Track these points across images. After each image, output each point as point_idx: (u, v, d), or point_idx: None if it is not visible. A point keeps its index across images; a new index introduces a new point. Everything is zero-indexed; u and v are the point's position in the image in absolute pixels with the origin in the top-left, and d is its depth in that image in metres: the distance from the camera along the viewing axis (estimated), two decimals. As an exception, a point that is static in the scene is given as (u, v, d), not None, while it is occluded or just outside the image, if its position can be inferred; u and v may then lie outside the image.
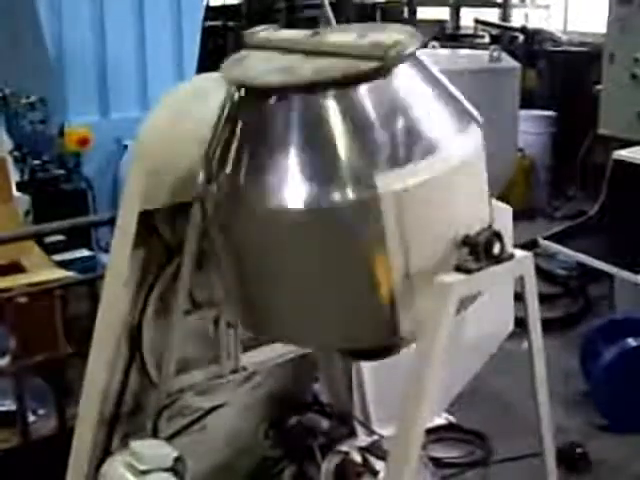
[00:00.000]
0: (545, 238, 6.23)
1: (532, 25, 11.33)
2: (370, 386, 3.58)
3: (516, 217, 3.88)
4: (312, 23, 12.49)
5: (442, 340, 1.87)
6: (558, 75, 10.04)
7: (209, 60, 6.34)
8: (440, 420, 4.42)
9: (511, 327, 4.29)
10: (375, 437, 2.74)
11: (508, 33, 11.35)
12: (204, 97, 2.30)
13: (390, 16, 13.81)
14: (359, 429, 2.89)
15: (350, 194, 1.83)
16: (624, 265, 5.46)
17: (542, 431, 2.21)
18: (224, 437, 2.84)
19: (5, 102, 6.01)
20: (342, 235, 1.87)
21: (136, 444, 2.37)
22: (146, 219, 2.32)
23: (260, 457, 2.88)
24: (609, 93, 8.14)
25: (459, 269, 1.88)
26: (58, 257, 4.81)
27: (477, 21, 12.44)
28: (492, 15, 12.87)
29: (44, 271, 4.14)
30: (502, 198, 3.74)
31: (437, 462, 3.82)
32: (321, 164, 1.86)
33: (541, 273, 6.70)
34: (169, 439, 2.53)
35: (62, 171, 5.67)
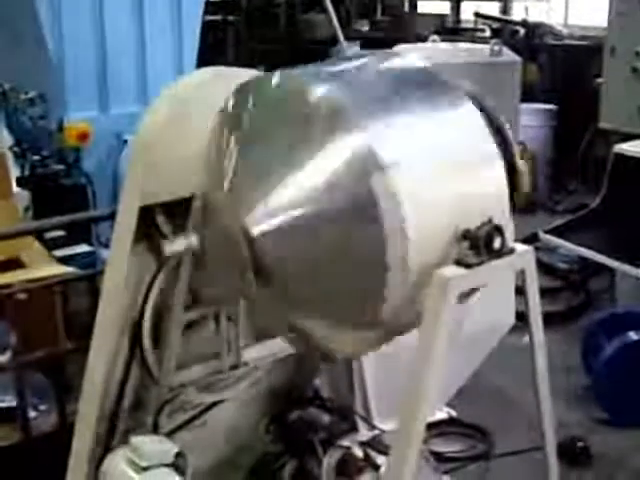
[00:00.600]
0: (546, 232, 6.23)
1: (533, 18, 11.30)
2: (371, 380, 3.57)
3: (517, 211, 3.87)
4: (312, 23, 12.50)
5: (443, 334, 1.87)
6: (559, 69, 10.03)
7: (209, 54, 6.35)
8: (441, 414, 4.41)
9: (512, 321, 4.28)
10: (376, 432, 2.74)
11: (509, 27, 11.33)
12: (204, 92, 2.29)
13: (391, 10, 13.80)
14: (360, 424, 2.89)
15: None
16: (625, 259, 5.46)
17: (543, 425, 2.20)
18: (225, 432, 2.84)
19: (5, 98, 5.99)
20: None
21: (137, 440, 2.37)
22: (146, 214, 2.32)
23: (261, 452, 2.88)
24: (610, 87, 8.13)
25: (459, 263, 1.88)
26: (58, 253, 4.81)
27: (478, 15, 12.42)
28: (493, 8, 12.85)
29: (44, 267, 4.14)
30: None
31: (438, 456, 3.80)
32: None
33: (542, 267, 6.69)
34: (170, 435, 2.53)
35: (62, 166, 5.65)
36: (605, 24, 8.40)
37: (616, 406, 4.84)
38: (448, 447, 4.34)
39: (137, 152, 2.33)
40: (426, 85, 2.08)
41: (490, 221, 1.92)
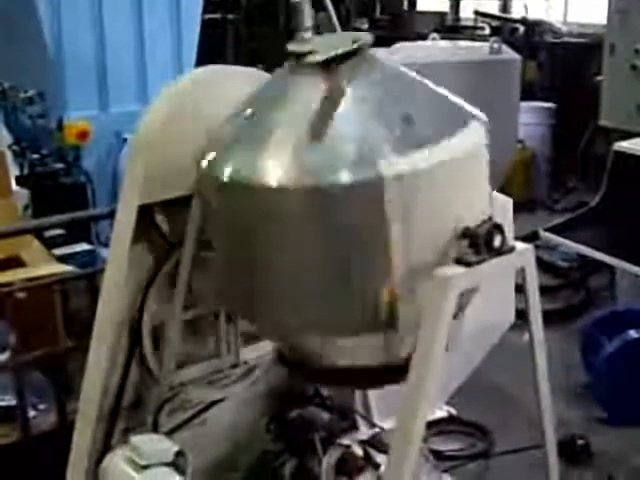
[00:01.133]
0: (546, 230, 6.22)
1: (532, 16, 11.29)
2: (371, 379, 3.57)
3: (516, 209, 3.87)
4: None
5: (443, 332, 1.87)
6: (558, 66, 10.03)
7: (208, 53, 6.34)
8: (441, 413, 4.41)
9: (512, 319, 4.28)
10: (376, 430, 2.74)
11: (508, 24, 11.32)
12: (203, 90, 2.29)
13: (390, 8, 13.79)
14: (360, 422, 2.89)
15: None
16: (625, 257, 5.45)
17: (543, 423, 2.20)
18: (225, 431, 2.83)
19: (4, 96, 5.99)
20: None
21: (136, 439, 2.37)
22: (145, 213, 2.31)
23: (261, 451, 2.88)
24: (609, 84, 8.12)
25: (459, 262, 1.88)
26: (58, 251, 4.81)
27: (477, 13, 12.41)
28: (492, 6, 12.84)
29: (44, 265, 4.14)
30: (502, 190, 3.73)
31: (438, 455, 3.81)
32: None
33: (542, 265, 6.69)
34: (169, 433, 2.52)
35: (61, 165, 5.66)
36: (604, 21, 8.40)
37: (616, 404, 4.83)
38: (448, 445, 4.34)
39: (136, 151, 2.33)
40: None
41: (490, 219, 1.92)
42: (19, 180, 5.42)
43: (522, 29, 10.82)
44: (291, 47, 2.06)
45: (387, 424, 2.68)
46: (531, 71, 9.79)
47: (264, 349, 2.73)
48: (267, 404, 2.90)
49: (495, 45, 7.42)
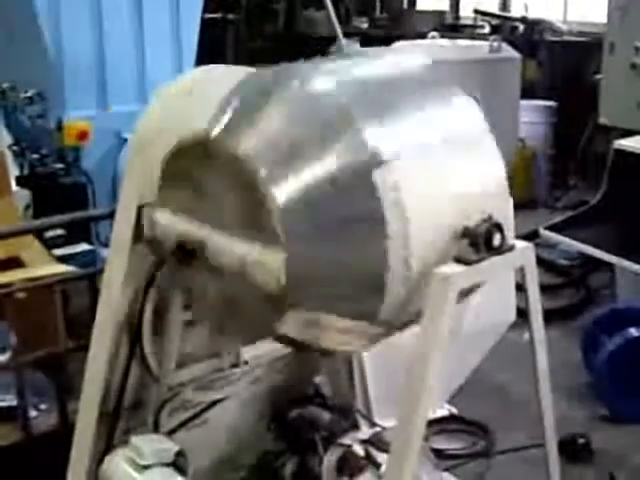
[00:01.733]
0: (546, 228, 6.22)
1: (532, 15, 11.29)
2: (372, 378, 3.57)
3: (517, 207, 3.85)
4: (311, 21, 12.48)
5: (443, 331, 1.87)
6: (558, 65, 10.01)
7: (208, 52, 6.34)
8: (442, 411, 4.41)
9: (513, 318, 4.28)
10: (377, 429, 2.74)
11: (508, 23, 11.31)
12: (202, 90, 2.29)
13: (390, 7, 13.79)
14: (361, 421, 2.89)
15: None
16: (625, 254, 5.45)
17: (544, 422, 2.20)
18: (226, 431, 2.84)
19: (3, 96, 5.98)
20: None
21: (137, 439, 2.37)
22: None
23: (262, 450, 2.88)
24: (609, 83, 8.11)
25: (459, 260, 1.88)
26: (58, 252, 4.80)
27: (477, 11, 12.40)
28: (492, 5, 12.83)
29: (44, 266, 4.13)
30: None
31: (439, 453, 3.80)
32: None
33: (542, 263, 6.68)
34: (170, 433, 2.52)
35: (61, 165, 5.65)
36: (604, 20, 8.39)
37: (617, 402, 4.83)
38: (449, 444, 4.33)
39: (135, 151, 2.33)
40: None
41: (490, 218, 1.92)
42: (19, 180, 5.41)
43: (522, 28, 10.81)
44: None
45: (388, 423, 2.68)
46: (531, 70, 9.78)
47: (265, 349, 2.73)
48: (268, 404, 2.90)
49: (495, 44, 7.42)
